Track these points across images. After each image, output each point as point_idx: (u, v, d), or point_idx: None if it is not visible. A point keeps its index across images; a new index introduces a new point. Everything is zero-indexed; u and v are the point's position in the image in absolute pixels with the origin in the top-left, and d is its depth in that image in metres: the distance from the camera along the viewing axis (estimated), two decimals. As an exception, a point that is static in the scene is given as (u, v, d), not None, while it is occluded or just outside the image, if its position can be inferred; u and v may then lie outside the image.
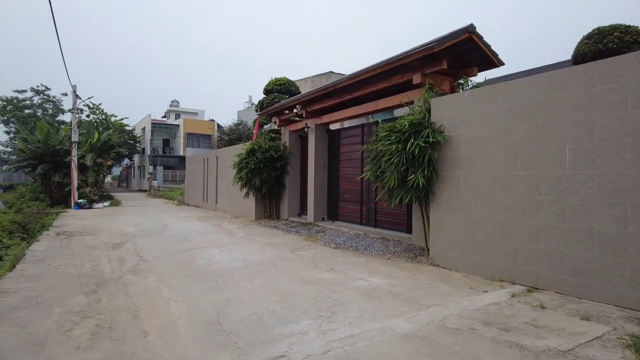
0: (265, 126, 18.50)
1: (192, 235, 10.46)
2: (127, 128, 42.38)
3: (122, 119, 40.10)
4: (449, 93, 7.69)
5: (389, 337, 3.71)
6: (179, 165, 43.55)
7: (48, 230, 11.58)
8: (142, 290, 5.52)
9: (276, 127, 15.51)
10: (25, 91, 43.35)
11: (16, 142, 30.94)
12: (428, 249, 7.10)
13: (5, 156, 43.66)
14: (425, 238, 7.29)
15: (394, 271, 6.36)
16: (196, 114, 55.75)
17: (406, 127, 6.69)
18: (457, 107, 6.47)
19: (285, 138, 13.79)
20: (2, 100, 41.91)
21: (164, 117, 56.60)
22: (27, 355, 3.45)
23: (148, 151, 44.22)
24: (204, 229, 11.94)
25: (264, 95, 18.19)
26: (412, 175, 6.55)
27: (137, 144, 44.97)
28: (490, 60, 7.79)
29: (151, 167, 41.21)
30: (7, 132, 42.85)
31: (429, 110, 6.99)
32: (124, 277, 6.20)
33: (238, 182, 13.48)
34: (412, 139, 6.55)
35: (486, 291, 5.20)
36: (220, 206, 17.71)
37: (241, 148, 14.42)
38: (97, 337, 3.85)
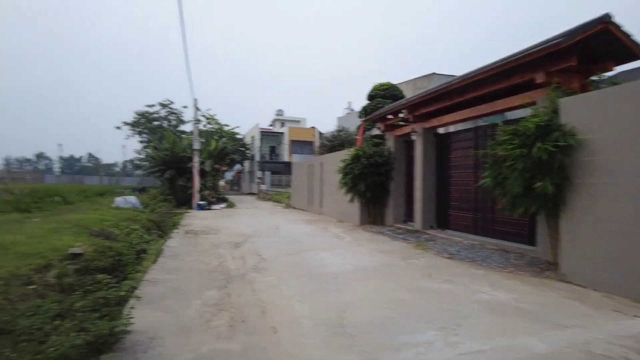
0: (368, 131, 18.61)
1: (302, 238, 10.91)
2: (238, 136, 45.92)
3: (233, 129, 43.55)
4: (578, 92, 6.92)
5: (525, 356, 3.46)
6: (284, 170, 45.86)
7: (177, 228, 13.03)
8: (265, 287, 5.92)
9: (380, 133, 15.50)
10: (153, 105, 49.47)
11: (148, 150, 35.47)
12: (557, 264, 6.46)
13: (139, 162, 50.24)
14: (553, 251, 6.65)
15: (519, 286, 5.92)
16: (299, 121, 58.37)
17: (531, 130, 6.20)
18: (593, 107, 5.81)
19: (390, 143, 13.69)
20: (137, 114, 48.39)
21: (271, 125, 60.21)
22: (180, 339, 3.93)
23: (257, 157, 47.51)
24: (312, 231, 12.39)
25: (367, 101, 18.32)
26: (539, 183, 6.04)
27: (248, 151, 48.52)
28: (630, 52, 6.86)
29: (260, 172, 44.13)
30: (141, 142, 49.24)
31: (556, 111, 6.38)
32: (248, 275, 6.70)
33: (343, 187, 13.75)
34: (538, 143, 6.04)
35: (637, 316, 4.57)
36: (324, 210, 18.22)
37: (345, 154, 14.69)
38: (233, 329, 4.23)
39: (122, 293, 4.91)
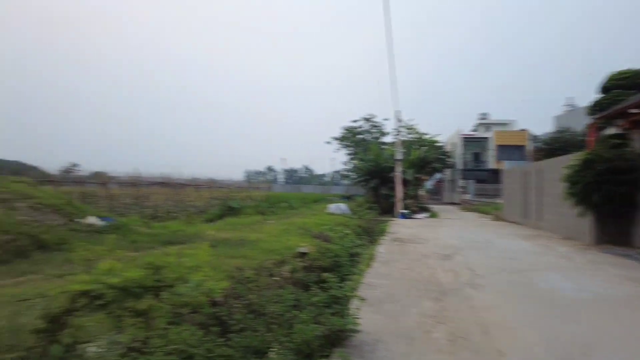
0: (601, 131, 15.55)
1: (521, 255, 9.80)
2: (438, 144, 45.03)
3: (433, 137, 42.94)
4: None
5: None
6: (489, 178, 42.64)
7: (385, 235, 13.51)
8: (484, 306, 5.50)
9: (620, 132, 12.73)
10: (358, 120, 53.18)
11: (354, 161, 38.22)
12: None
13: (346, 173, 54.71)
14: None
15: None
16: (506, 124, 53.34)
17: None
18: None
19: (637, 144, 11.07)
20: (344, 130, 52.94)
21: (474, 130, 56.96)
22: (403, 346, 3.98)
23: (459, 165, 45.58)
24: (531, 248, 11.02)
25: (601, 95, 15.35)
26: None
27: (448, 159, 47.09)
28: None
29: (462, 181, 42.20)
30: (348, 154, 53.59)
31: None
32: (462, 290, 6.37)
33: (569, 199, 11.77)
34: None
35: None
36: (543, 224, 16.00)
37: (572, 159, 12.57)
38: (455, 345, 4.04)
39: (345, 293, 5.32)
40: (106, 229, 10.56)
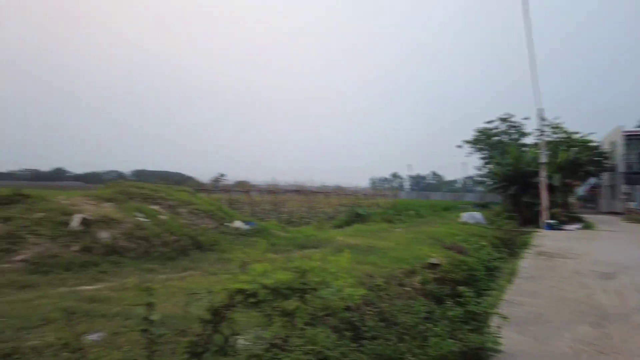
0: None
1: None
2: (592, 144, 39.07)
3: (585, 136, 37.42)
4: None
5: None
6: (662, 183, 35.48)
7: (528, 248, 12.21)
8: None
9: None
10: (493, 121, 49.21)
11: (489, 166, 35.47)
12: None
13: (480, 179, 51.07)
14: None
15: None
16: (685, 118, 43.74)
17: None
18: None
19: None
20: (477, 132, 49.53)
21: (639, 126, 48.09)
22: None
23: (620, 168, 38.81)
24: None
25: None
26: None
27: (606, 161, 40.47)
28: None
29: (626, 187, 35.84)
30: (482, 158, 50.00)
31: None
32: (632, 317, 5.38)
33: None
34: None
35: None
36: None
37: None
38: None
39: (485, 310, 4.94)
40: (250, 232, 11.68)
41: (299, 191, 24.95)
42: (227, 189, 24.35)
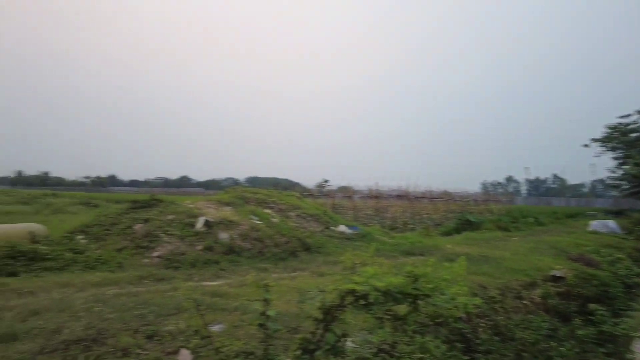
0: None
1: None
2: None
3: None
4: None
5: None
6: None
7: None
8: None
9: None
10: (629, 115, 42.69)
11: (626, 167, 30.83)
12: None
13: (613, 182, 44.61)
14: None
15: None
16: None
17: None
18: None
19: None
20: (609, 129, 43.41)
21: None
22: None
23: None
24: None
25: None
26: None
27: None
28: None
29: None
30: (615, 158, 43.69)
31: None
32: None
33: None
34: None
35: None
36: None
37: None
38: None
39: (625, 332, 4.30)
40: (354, 236, 11.82)
41: (403, 196, 24.49)
42: (331, 194, 24.96)
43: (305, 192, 22.53)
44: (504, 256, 9.37)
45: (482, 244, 12.31)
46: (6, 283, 5.42)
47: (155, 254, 7.72)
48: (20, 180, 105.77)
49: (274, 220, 10.35)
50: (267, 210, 11.02)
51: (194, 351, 3.55)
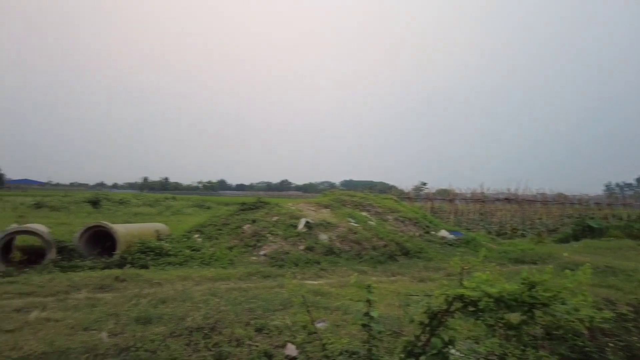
0: None
1: None
2: None
3: None
4: None
5: None
6: None
7: None
8: None
9: None
10: None
11: None
12: None
13: None
14: None
15: None
16: None
17: None
18: None
19: None
20: None
21: None
22: None
23: None
24: None
25: None
26: None
27: None
28: None
29: None
30: None
31: None
32: None
33: None
34: None
35: None
36: None
37: None
38: None
39: None
40: (456, 242, 11.26)
41: (511, 199, 22.65)
42: (430, 197, 24.10)
43: (401, 195, 22.08)
44: (636, 268, 8.16)
45: (606, 253, 10.86)
46: (140, 274, 6.21)
47: (262, 252, 8.22)
48: (145, 185, 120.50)
49: (371, 223, 10.34)
50: (364, 213, 11.05)
51: (299, 346, 3.70)
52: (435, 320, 2.35)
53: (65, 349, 3.21)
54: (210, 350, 3.43)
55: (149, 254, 7.61)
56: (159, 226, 9.69)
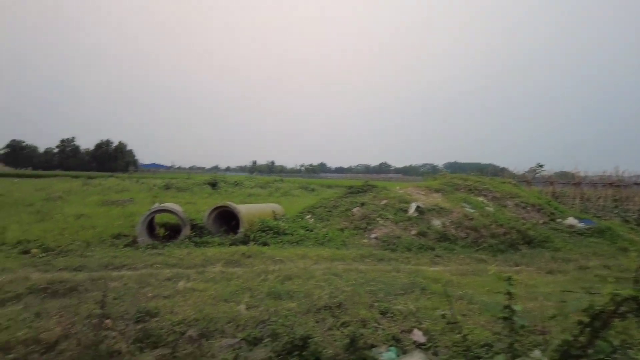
0: None
1: None
2: None
3: None
4: None
5: None
6: None
7: None
8: None
9: None
10: None
11: None
12: None
13: None
14: None
15: None
16: None
17: None
18: None
19: None
20: None
21: None
22: None
23: None
24: None
25: None
26: None
27: None
28: None
29: None
30: None
31: None
32: None
33: None
34: None
35: None
36: None
37: None
38: None
39: None
40: (587, 231, 10.03)
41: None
42: (550, 181, 21.78)
43: (518, 179, 20.29)
44: None
45: None
46: (262, 251, 6.63)
47: (373, 235, 8.22)
48: (254, 168, 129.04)
49: (488, 209, 9.67)
50: (480, 198, 10.37)
51: (426, 333, 3.61)
52: (597, 320, 2.07)
53: (212, 317, 3.54)
54: (340, 329, 3.51)
55: (268, 232, 8.09)
56: (275, 206, 10.24)
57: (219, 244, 7.35)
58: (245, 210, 8.62)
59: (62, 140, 79.40)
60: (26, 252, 6.12)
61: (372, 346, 3.32)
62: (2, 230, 7.55)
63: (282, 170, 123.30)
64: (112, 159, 75.69)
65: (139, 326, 3.30)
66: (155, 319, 3.47)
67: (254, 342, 3.23)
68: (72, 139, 79.97)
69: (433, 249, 7.68)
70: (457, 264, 6.77)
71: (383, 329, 3.61)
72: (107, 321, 3.35)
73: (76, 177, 33.07)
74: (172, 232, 8.21)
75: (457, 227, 8.63)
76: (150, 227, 8.44)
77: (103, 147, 77.61)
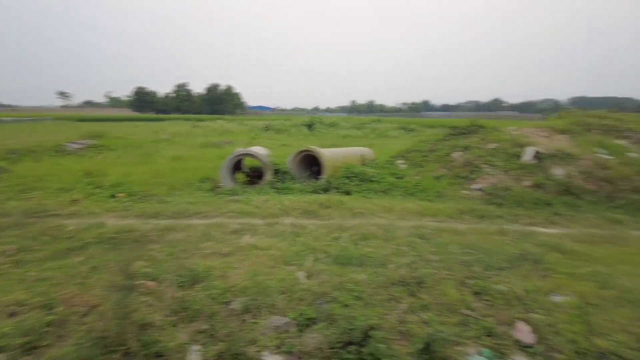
0: None
1: None
2: None
3: None
4: None
5: None
6: None
7: None
8: None
9: None
10: None
11: None
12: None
13: None
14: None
15: None
16: None
17: None
18: None
19: None
20: None
21: None
22: None
23: None
24: None
25: None
26: None
27: None
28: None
29: None
30: None
31: None
32: None
33: None
34: None
35: None
36: None
37: None
38: None
39: None
40: None
41: None
42: None
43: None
44: None
45: None
46: (343, 202, 5.98)
47: (476, 186, 7.03)
48: (353, 109, 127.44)
49: (631, 155, 7.64)
50: (621, 142, 8.24)
51: (535, 329, 2.67)
52: None
53: (264, 286, 3.03)
54: (418, 314, 2.75)
55: (353, 179, 7.40)
56: (364, 150, 9.44)
57: (300, 191, 6.89)
58: (330, 154, 7.98)
59: (177, 85, 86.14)
60: (114, 196, 6.29)
61: (456, 344, 2.51)
62: (104, 173, 7.99)
63: (382, 110, 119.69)
64: (221, 101, 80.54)
65: (181, 293, 2.91)
66: (202, 284, 3.07)
67: (306, 323, 2.64)
68: (184, 84, 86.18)
69: (550, 204, 6.27)
70: (582, 226, 5.37)
71: (475, 319, 2.76)
72: (150, 284, 3.05)
73: (188, 119, 35.63)
74: (257, 176, 7.99)
75: (586, 177, 6.95)
76: (239, 169, 8.33)
77: (212, 90, 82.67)
